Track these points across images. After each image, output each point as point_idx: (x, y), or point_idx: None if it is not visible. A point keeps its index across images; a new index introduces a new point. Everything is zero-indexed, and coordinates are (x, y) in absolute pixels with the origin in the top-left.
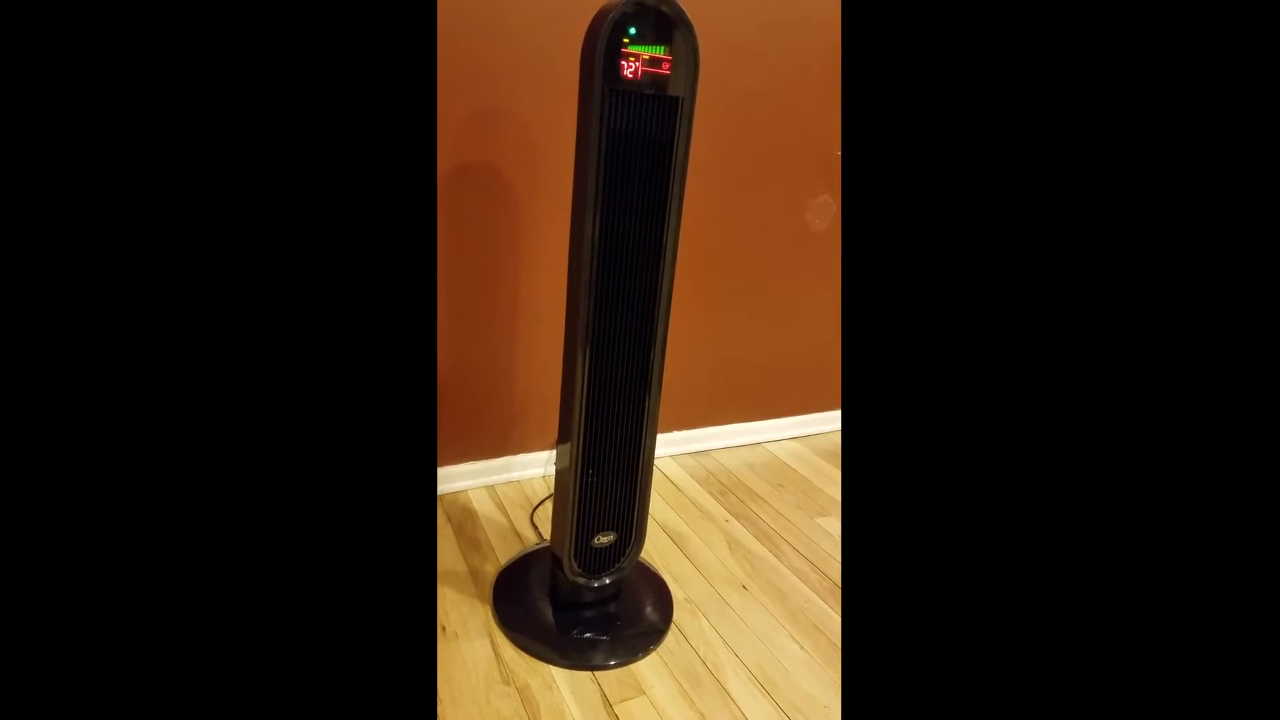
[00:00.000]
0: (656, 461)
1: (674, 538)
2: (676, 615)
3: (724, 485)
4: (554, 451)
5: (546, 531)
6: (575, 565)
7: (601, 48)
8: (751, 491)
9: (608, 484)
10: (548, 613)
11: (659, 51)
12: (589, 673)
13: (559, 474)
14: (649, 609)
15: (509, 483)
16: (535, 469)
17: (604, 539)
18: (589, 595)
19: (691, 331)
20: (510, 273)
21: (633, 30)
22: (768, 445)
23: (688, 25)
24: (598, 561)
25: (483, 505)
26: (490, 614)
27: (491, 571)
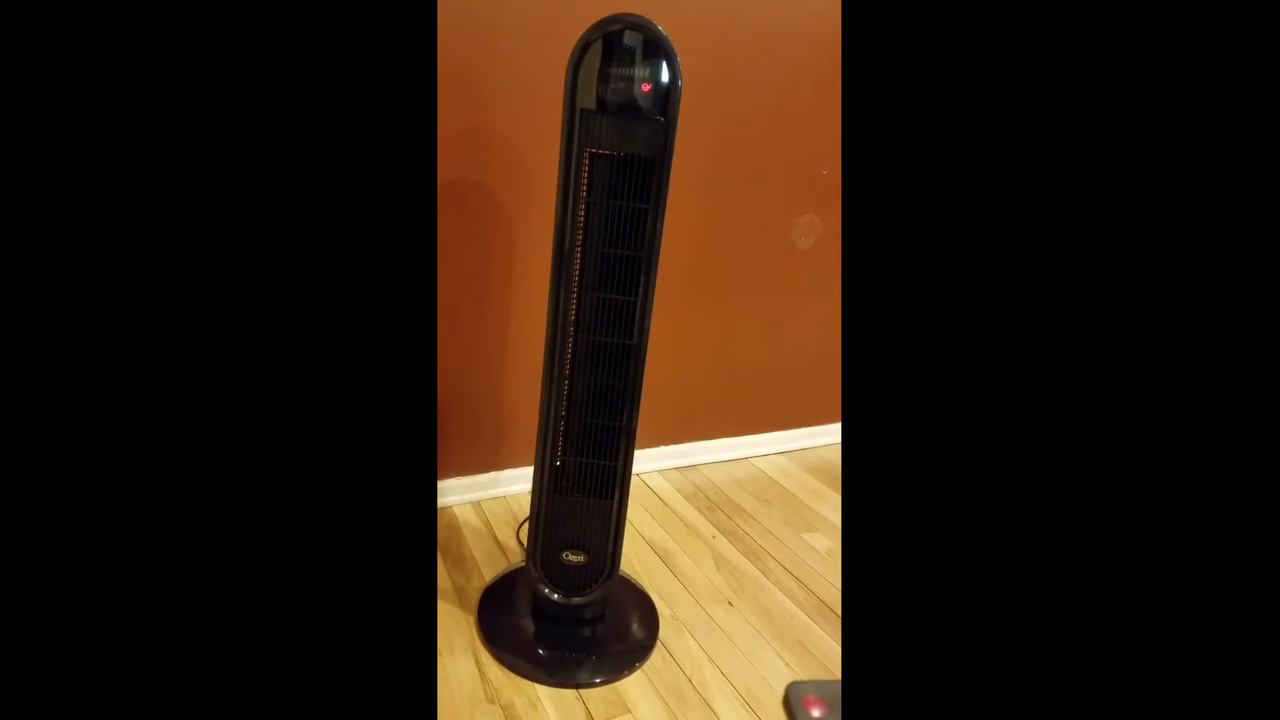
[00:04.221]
0: (643, 476)
1: (660, 554)
2: (662, 632)
3: (711, 501)
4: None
5: None
6: (541, 574)
7: (572, 69)
8: (738, 507)
9: (580, 502)
10: (532, 630)
11: (638, 73)
12: (574, 691)
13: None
14: (635, 626)
15: (495, 498)
16: (522, 484)
17: (574, 557)
18: (573, 612)
19: (679, 346)
20: (501, 287)
21: (609, 53)
22: (755, 460)
23: (668, 48)
24: (568, 578)
25: (468, 521)
26: (475, 631)
27: (476, 588)
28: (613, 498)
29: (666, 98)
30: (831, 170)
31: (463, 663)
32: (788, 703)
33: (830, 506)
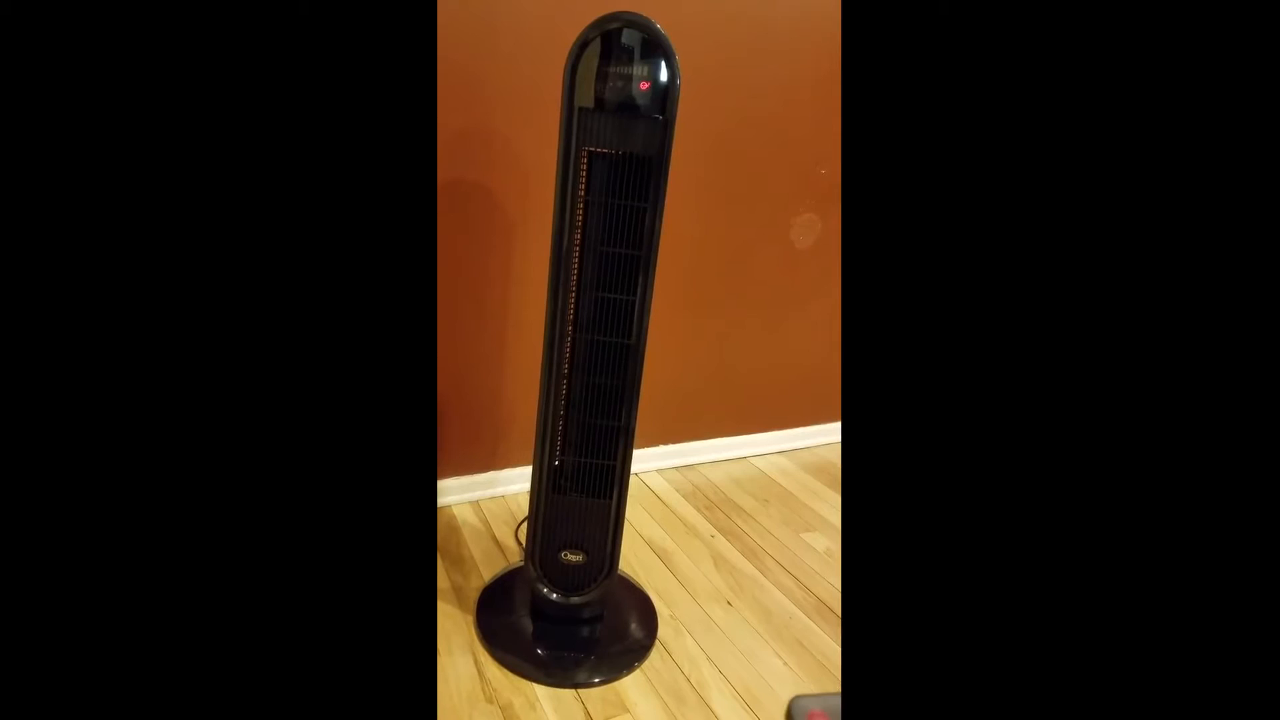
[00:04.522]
0: (642, 476)
1: (659, 553)
2: (661, 632)
3: (710, 500)
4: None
5: None
6: (540, 574)
7: (570, 68)
8: (737, 507)
9: (579, 502)
10: (531, 630)
11: (636, 72)
12: (573, 691)
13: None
14: (633, 625)
15: (494, 498)
16: (521, 484)
17: (572, 557)
18: (572, 612)
19: (678, 345)
20: (500, 286)
21: (608, 51)
22: (753, 459)
23: (667, 47)
24: (567, 578)
25: (467, 520)
26: (474, 631)
27: (475, 588)
28: (611, 497)
29: (665, 96)
30: (830, 170)
31: (461, 663)
32: (790, 716)
33: (829, 506)
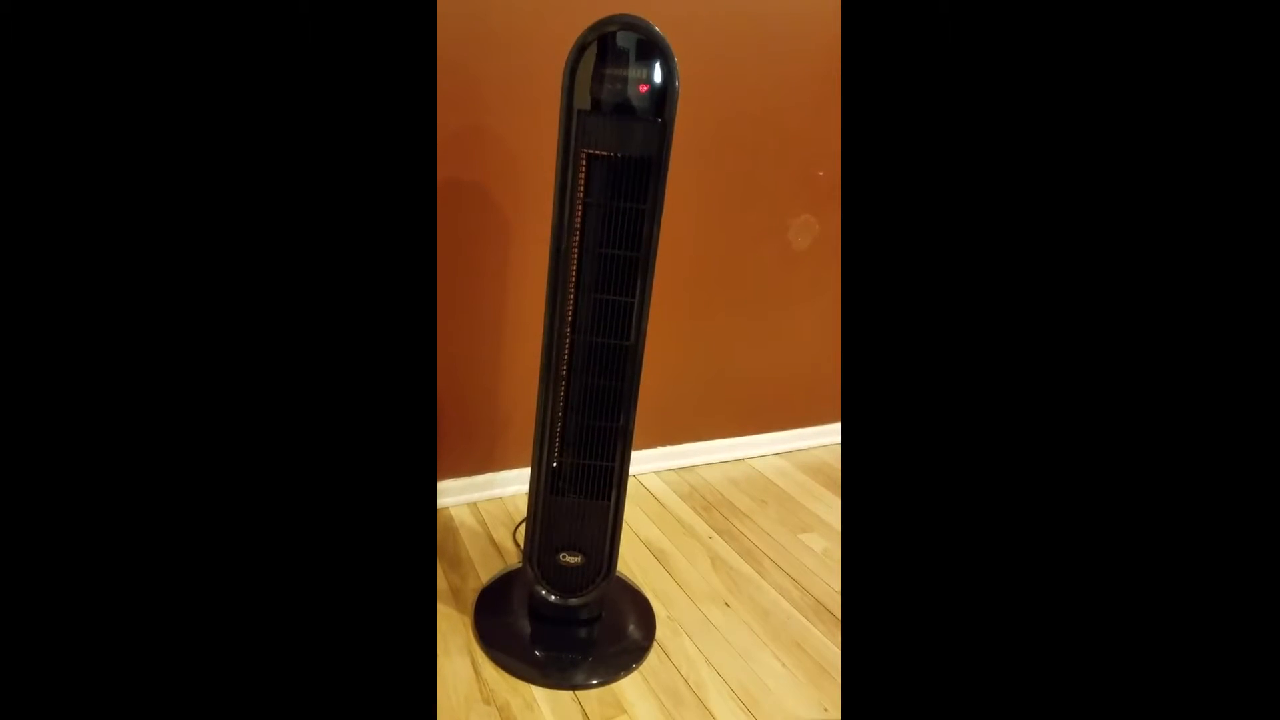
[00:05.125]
0: (640, 477)
1: (656, 554)
2: (659, 633)
3: (707, 501)
4: None
5: None
6: (539, 575)
7: (569, 70)
8: (734, 507)
9: (577, 503)
10: (529, 631)
11: (634, 74)
12: (570, 692)
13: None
14: (631, 627)
15: (492, 499)
16: (519, 485)
17: (570, 558)
18: (569, 613)
19: (676, 347)
20: (498, 288)
21: (606, 54)
22: (751, 460)
23: (665, 49)
24: (565, 579)
25: (465, 522)
26: (471, 632)
27: (473, 589)
28: (609, 499)
29: (663, 98)
30: (828, 172)
31: (459, 664)
32: None
33: (826, 507)
